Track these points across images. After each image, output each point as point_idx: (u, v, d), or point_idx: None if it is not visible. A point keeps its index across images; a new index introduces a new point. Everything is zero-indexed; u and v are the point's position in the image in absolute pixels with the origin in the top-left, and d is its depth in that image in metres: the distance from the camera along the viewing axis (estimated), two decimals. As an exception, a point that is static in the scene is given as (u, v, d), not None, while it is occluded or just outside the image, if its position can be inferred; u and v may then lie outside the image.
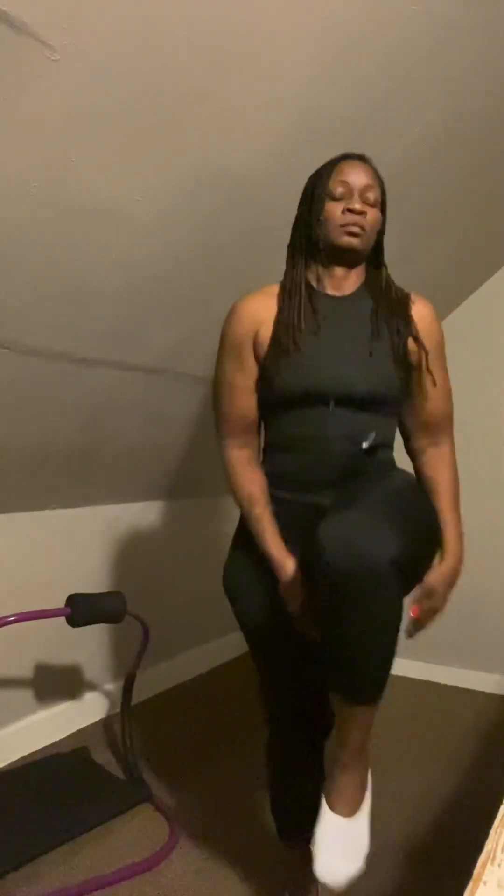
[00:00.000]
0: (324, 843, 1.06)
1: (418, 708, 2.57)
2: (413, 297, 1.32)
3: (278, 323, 1.26)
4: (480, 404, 2.79)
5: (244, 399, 1.30)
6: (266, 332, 1.26)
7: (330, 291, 1.29)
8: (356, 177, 1.22)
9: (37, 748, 2.21)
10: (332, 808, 1.08)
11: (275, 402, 1.27)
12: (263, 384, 1.28)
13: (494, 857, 0.60)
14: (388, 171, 1.81)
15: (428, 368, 1.28)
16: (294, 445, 1.27)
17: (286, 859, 1.44)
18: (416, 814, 1.89)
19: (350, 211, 1.20)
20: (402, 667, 2.88)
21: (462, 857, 0.74)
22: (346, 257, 1.26)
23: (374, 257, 1.32)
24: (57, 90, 1.12)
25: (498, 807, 0.71)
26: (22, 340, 1.57)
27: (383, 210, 1.28)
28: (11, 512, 2.13)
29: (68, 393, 1.83)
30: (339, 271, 1.28)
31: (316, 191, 1.24)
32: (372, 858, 1.62)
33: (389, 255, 1.75)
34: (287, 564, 1.23)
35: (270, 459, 1.32)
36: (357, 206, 1.20)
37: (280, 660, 1.34)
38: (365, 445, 1.23)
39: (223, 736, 2.38)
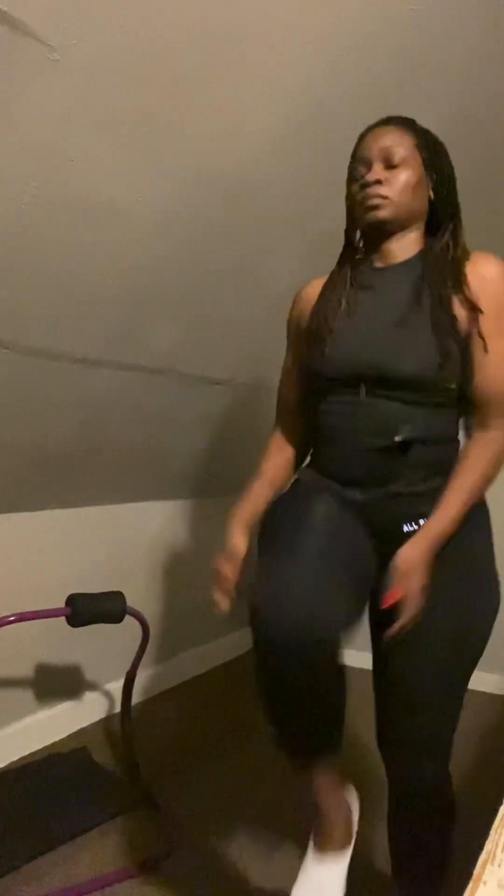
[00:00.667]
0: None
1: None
2: (476, 255, 1.14)
3: (316, 304, 1.20)
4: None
5: (287, 384, 1.29)
6: (307, 316, 1.21)
7: (378, 263, 1.17)
8: (372, 144, 1.12)
9: (37, 748, 2.21)
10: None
11: (311, 388, 1.20)
12: (302, 369, 1.22)
13: (494, 857, 0.60)
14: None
15: (479, 333, 1.07)
16: (327, 436, 1.17)
17: (303, 789, 1.20)
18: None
19: (365, 185, 1.11)
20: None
21: (462, 857, 0.74)
22: (384, 231, 1.14)
23: (439, 224, 1.17)
24: (57, 90, 1.12)
25: (498, 807, 0.70)
26: (22, 340, 1.57)
27: (435, 166, 1.14)
28: (11, 512, 2.13)
29: (68, 393, 1.83)
30: (388, 245, 1.15)
31: (348, 178, 1.17)
32: (372, 858, 1.62)
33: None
34: (236, 539, 1.21)
35: (314, 449, 1.24)
36: (370, 177, 1.10)
37: (305, 542, 1.17)
38: (397, 439, 1.07)
39: (223, 736, 2.38)
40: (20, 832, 1.72)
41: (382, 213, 1.11)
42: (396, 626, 1.05)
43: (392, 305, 1.11)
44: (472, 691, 2.23)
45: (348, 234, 1.23)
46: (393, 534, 1.10)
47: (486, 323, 1.07)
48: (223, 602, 1.19)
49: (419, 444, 1.09)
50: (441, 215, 1.17)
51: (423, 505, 1.09)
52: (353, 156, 1.16)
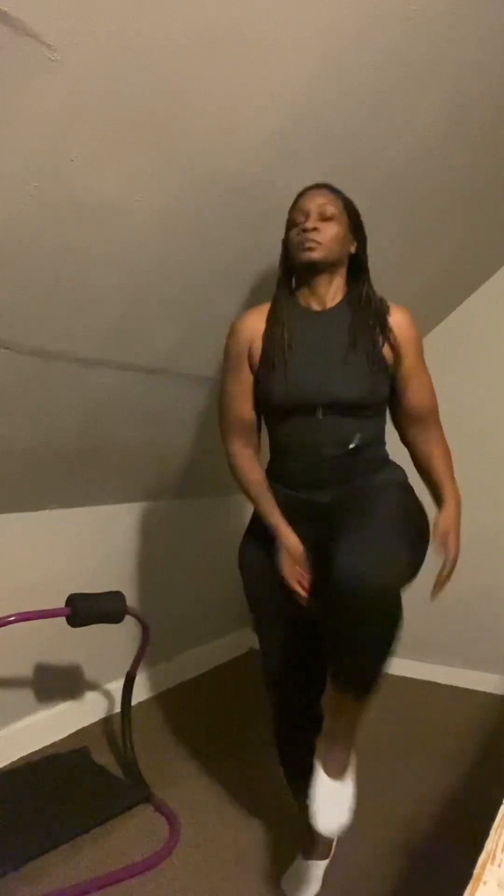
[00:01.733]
0: (320, 799, 1.29)
1: (418, 708, 2.57)
2: (392, 306, 1.46)
3: (265, 339, 1.45)
4: (479, 404, 2.79)
5: (242, 405, 1.49)
6: (258, 347, 1.45)
7: (313, 306, 1.46)
8: (310, 201, 1.40)
9: (37, 748, 2.21)
10: (325, 771, 1.30)
11: (270, 411, 1.47)
12: (259, 394, 1.47)
13: (494, 857, 0.60)
14: (388, 171, 1.83)
15: (405, 370, 1.44)
16: (291, 450, 1.45)
17: (302, 815, 1.42)
18: (416, 814, 1.89)
19: (303, 231, 1.38)
20: (403, 667, 2.88)
21: (462, 857, 0.74)
22: (314, 271, 1.42)
23: (354, 272, 1.47)
24: (57, 90, 1.12)
25: (498, 807, 0.71)
26: (22, 340, 1.57)
27: (356, 229, 1.45)
28: (11, 512, 2.13)
29: (68, 393, 1.83)
30: (318, 286, 1.44)
31: (287, 225, 1.44)
32: (372, 858, 1.63)
33: (388, 257, 1.75)
34: (289, 535, 1.43)
35: (274, 460, 1.51)
36: (308, 224, 1.38)
37: (277, 626, 1.52)
38: (351, 446, 1.40)
39: (223, 736, 2.38)
40: (20, 832, 1.72)
41: (315, 255, 1.38)
42: (445, 573, 1.40)
43: (334, 346, 1.41)
44: (473, 691, 2.25)
45: (281, 274, 1.50)
46: (327, 522, 1.36)
47: (412, 361, 1.45)
48: (304, 594, 1.41)
49: (365, 447, 1.42)
50: (356, 269, 1.47)
51: (388, 491, 1.42)
52: (293, 208, 1.43)
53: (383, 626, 1.21)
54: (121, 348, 1.81)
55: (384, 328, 1.42)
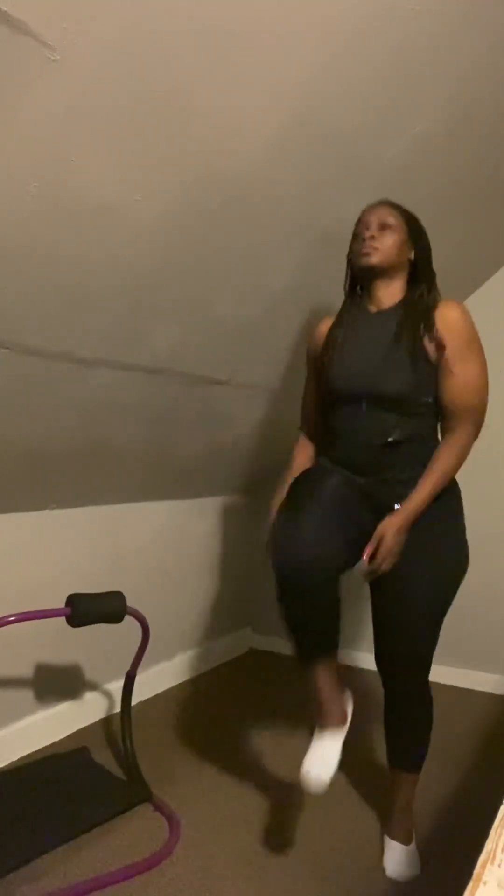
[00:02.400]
0: (393, 860, 1.62)
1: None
2: (443, 302, 1.54)
3: (327, 339, 1.63)
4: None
5: (309, 398, 1.73)
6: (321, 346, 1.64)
7: (371, 308, 1.60)
8: (370, 214, 1.56)
9: (37, 748, 2.21)
10: (394, 839, 1.65)
11: (326, 401, 1.64)
12: (319, 385, 1.66)
13: (494, 857, 0.60)
14: (388, 171, 1.83)
15: (446, 362, 1.48)
16: (338, 435, 1.60)
17: (310, 681, 1.53)
18: (416, 813, 1.89)
19: (363, 239, 1.54)
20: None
21: (462, 857, 0.74)
22: (372, 275, 1.56)
23: (418, 277, 1.59)
24: (57, 90, 1.12)
25: (498, 807, 0.70)
26: (22, 340, 1.57)
27: (415, 238, 1.58)
28: (11, 512, 2.13)
29: (68, 393, 1.83)
30: (377, 289, 1.58)
31: (352, 239, 1.60)
32: (373, 858, 1.63)
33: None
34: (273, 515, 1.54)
35: (326, 440, 1.67)
36: (367, 233, 1.53)
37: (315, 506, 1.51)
38: (389, 440, 1.50)
39: (223, 736, 2.38)
40: (20, 832, 1.72)
41: (372, 260, 1.52)
42: (367, 568, 1.48)
43: (380, 343, 1.52)
44: (473, 691, 2.24)
45: (348, 284, 1.66)
46: (386, 508, 1.50)
47: (451, 353, 1.48)
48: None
49: (405, 443, 1.50)
50: (420, 275, 1.59)
51: (408, 488, 1.49)
52: (357, 223, 1.58)
53: (420, 708, 1.68)
54: (121, 348, 1.81)
55: (428, 323, 1.48)
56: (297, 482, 1.57)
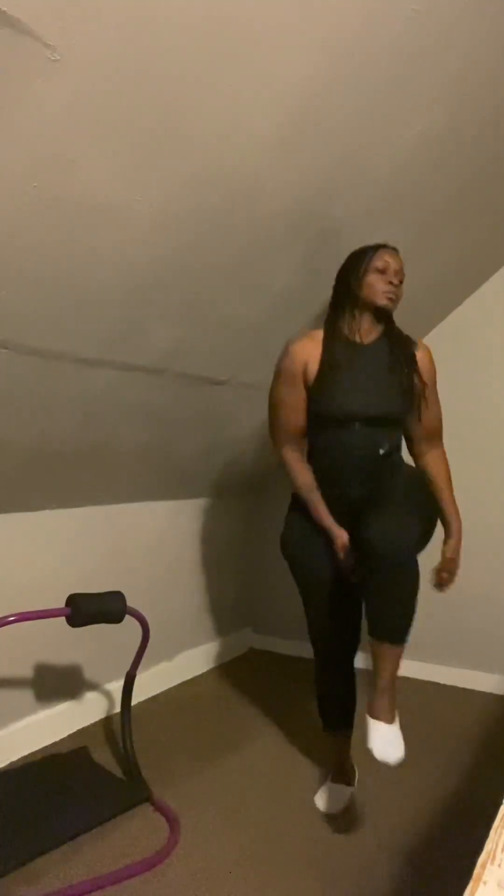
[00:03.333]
0: (378, 740, 1.59)
1: (418, 708, 2.57)
2: (418, 343, 1.82)
3: (322, 362, 1.74)
4: (480, 404, 2.79)
5: (296, 415, 1.79)
6: (313, 368, 1.74)
7: (359, 340, 1.76)
8: (394, 261, 1.72)
9: (37, 748, 2.21)
10: (377, 719, 1.61)
11: (317, 420, 1.77)
12: (310, 406, 1.77)
13: (494, 857, 0.60)
14: (388, 172, 1.83)
15: (425, 396, 1.79)
16: (330, 453, 1.77)
17: (330, 745, 2.00)
18: (416, 814, 1.89)
19: (391, 283, 1.70)
20: (403, 667, 2.87)
21: (462, 857, 0.74)
22: (377, 314, 1.75)
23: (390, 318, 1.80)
24: (57, 90, 1.12)
25: (498, 807, 0.71)
26: (22, 340, 1.57)
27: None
28: (11, 512, 2.13)
29: (68, 393, 1.83)
30: (366, 324, 1.76)
31: (362, 264, 1.72)
32: (373, 858, 1.63)
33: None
34: (339, 531, 1.74)
35: (313, 461, 1.81)
36: (395, 280, 1.71)
37: (323, 595, 1.83)
38: (381, 452, 1.73)
39: (223, 736, 2.38)
40: (20, 832, 1.72)
41: (391, 305, 1.73)
42: (446, 586, 1.82)
43: (376, 372, 1.75)
44: (473, 691, 2.23)
45: (341, 305, 1.77)
46: (352, 513, 1.70)
47: (428, 389, 1.81)
48: (351, 572, 1.74)
49: (392, 453, 1.77)
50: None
51: (393, 489, 1.71)
52: (377, 257, 1.71)
53: (407, 578, 1.58)
54: (121, 348, 1.81)
55: (411, 361, 1.77)
56: (300, 555, 1.84)
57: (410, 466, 1.84)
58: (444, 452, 1.89)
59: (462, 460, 2.68)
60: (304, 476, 1.80)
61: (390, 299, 1.71)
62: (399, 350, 1.77)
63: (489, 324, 2.80)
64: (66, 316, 1.59)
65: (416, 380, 1.77)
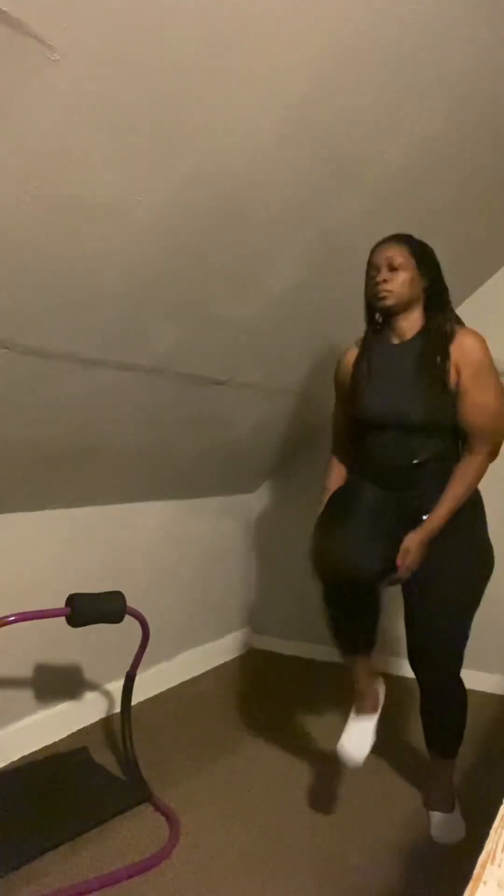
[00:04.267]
0: (436, 826, 1.77)
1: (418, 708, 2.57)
2: (459, 331, 1.63)
3: (354, 369, 1.75)
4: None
5: (343, 427, 1.83)
6: (349, 376, 1.76)
7: (393, 340, 1.70)
8: (379, 256, 1.64)
9: (37, 748, 2.21)
10: (435, 810, 1.79)
11: (358, 426, 1.76)
12: (351, 416, 1.77)
13: (494, 857, 0.60)
14: (388, 171, 1.83)
15: (461, 389, 1.60)
16: (368, 457, 1.74)
17: (350, 667, 1.82)
18: (416, 814, 1.89)
19: (376, 283, 1.63)
20: (403, 667, 2.87)
21: (462, 857, 0.75)
22: (391, 313, 1.67)
23: (433, 303, 1.67)
24: (57, 90, 1.12)
25: (498, 807, 0.71)
26: (22, 340, 1.57)
27: (425, 267, 1.64)
28: (11, 512, 2.13)
29: (68, 393, 1.83)
30: (398, 323, 1.68)
31: (366, 278, 1.68)
32: (372, 858, 1.63)
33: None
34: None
35: (358, 462, 1.80)
36: (379, 277, 1.62)
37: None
38: (415, 462, 1.64)
39: (223, 736, 2.38)
40: (20, 832, 1.72)
41: (388, 303, 1.63)
42: (395, 577, 1.66)
43: (403, 373, 1.64)
44: (473, 691, 2.25)
45: (368, 315, 1.74)
46: (417, 518, 1.65)
47: (466, 380, 1.59)
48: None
49: (429, 463, 1.64)
50: (434, 298, 1.66)
51: (433, 502, 1.63)
52: (368, 263, 1.67)
53: (453, 700, 1.76)
54: (121, 348, 1.81)
55: (445, 354, 1.60)
56: (335, 497, 1.74)
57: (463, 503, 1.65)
58: (478, 462, 1.63)
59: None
60: (332, 474, 1.85)
61: (382, 298, 1.63)
62: (432, 343, 1.62)
63: (489, 324, 2.79)
64: (65, 316, 1.59)
65: (447, 378, 1.59)
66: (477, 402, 1.60)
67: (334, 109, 1.52)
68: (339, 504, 1.71)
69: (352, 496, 1.71)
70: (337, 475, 1.85)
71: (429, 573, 1.65)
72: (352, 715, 1.80)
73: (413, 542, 1.62)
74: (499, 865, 0.59)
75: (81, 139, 1.23)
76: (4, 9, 0.98)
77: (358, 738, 1.74)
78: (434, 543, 1.63)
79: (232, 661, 3.22)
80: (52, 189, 1.27)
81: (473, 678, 2.84)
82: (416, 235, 1.88)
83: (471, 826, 1.79)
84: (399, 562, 1.63)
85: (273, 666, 3.13)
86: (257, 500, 3.35)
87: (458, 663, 1.73)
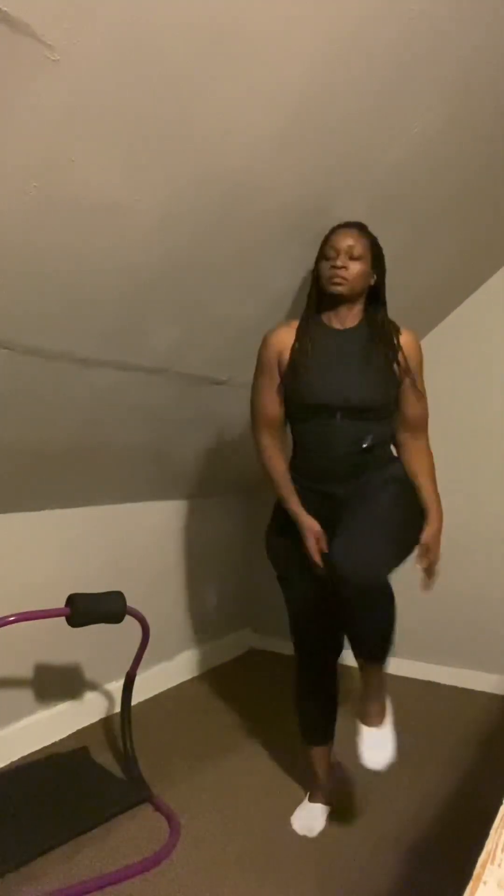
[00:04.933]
0: (367, 745, 1.63)
1: (418, 708, 2.57)
2: (404, 329, 1.72)
3: (293, 350, 1.68)
4: (476, 405, 2.79)
5: (273, 405, 1.73)
6: (286, 357, 1.69)
7: (335, 325, 1.70)
8: (342, 240, 1.63)
9: (37, 748, 2.21)
10: (367, 724, 1.65)
11: (294, 412, 1.71)
12: (285, 397, 1.71)
13: (494, 857, 0.60)
14: (388, 171, 1.83)
15: (410, 383, 1.70)
16: (311, 448, 1.70)
17: (308, 757, 1.92)
18: (416, 814, 1.89)
19: (333, 267, 1.62)
20: (403, 667, 2.88)
21: (462, 857, 0.75)
22: (339, 300, 1.67)
23: (373, 298, 1.71)
24: (57, 90, 1.12)
25: (498, 807, 0.71)
26: (22, 340, 1.57)
27: (377, 265, 1.68)
28: (11, 512, 2.13)
29: (68, 393, 1.83)
30: (341, 310, 1.69)
31: (318, 255, 1.67)
32: (372, 858, 1.63)
33: (388, 257, 1.76)
34: (307, 520, 1.65)
35: (296, 456, 1.75)
36: (338, 262, 1.62)
37: (302, 596, 1.78)
38: (364, 446, 1.63)
39: (223, 736, 2.38)
40: (20, 832, 1.72)
41: (341, 289, 1.63)
42: (428, 576, 1.71)
43: (350, 358, 1.66)
44: (473, 691, 2.24)
45: (311, 296, 1.72)
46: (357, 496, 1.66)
47: (411, 376, 1.69)
48: (320, 566, 1.63)
49: (376, 446, 1.66)
50: (375, 294, 1.71)
51: (374, 488, 1.66)
52: (325, 243, 1.65)
53: (378, 604, 1.55)
54: (121, 348, 1.81)
55: (394, 346, 1.68)
56: (281, 555, 1.79)
57: (398, 465, 1.75)
58: (427, 445, 1.78)
59: (460, 460, 2.70)
60: (277, 464, 1.73)
61: (337, 283, 1.62)
62: (379, 335, 1.68)
63: (489, 324, 2.80)
64: (66, 316, 1.59)
65: (397, 367, 1.67)
66: (421, 396, 1.73)
67: (334, 111, 1.52)
68: (289, 572, 1.78)
69: (297, 555, 1.67)
70: (282, 462, 1.74)
71: (368, 499, 1.63)
72: (305, 800, 1.92)
73: (431, 537, 1.68)
74: (499, 865, 0.59)
75: (81, 139, 1.23)
76: (4, 9, 0.98)
77: (307, 818, 1.85)
78: (379, 483, 1.65)
79: (232, 661, 3.22)
80: (51, 189, 1.27)
81: (473, 678, 2.86)
82: (416, 236, 1.88)
83: (471, 826, 1.79)
84: (424, 564, 1.68)
85: (273, 666, 3.13)
86: (257, 500, 3.35)
87: (383, 567, 1.56)
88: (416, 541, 1.67)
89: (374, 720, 1.66)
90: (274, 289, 2.01)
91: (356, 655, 1.66)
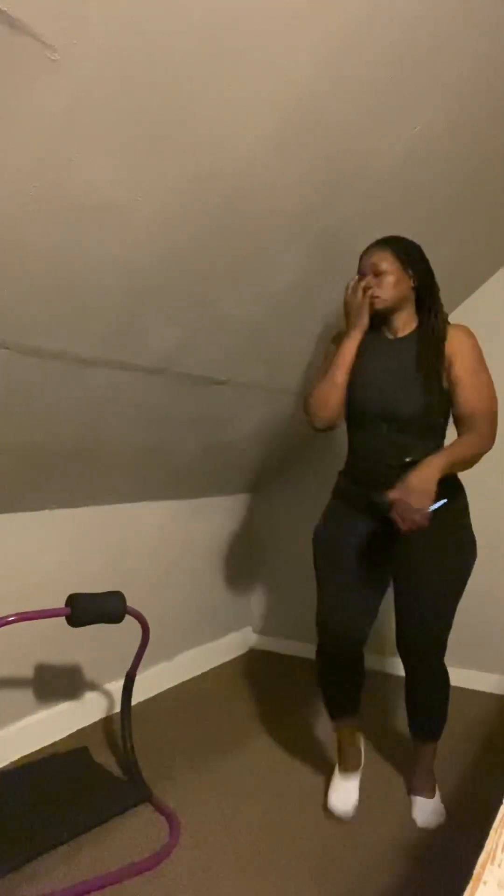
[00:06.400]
0: (421, 812, 1.87)
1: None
2: (451, 328, 1.73)
3: (354, 362, 1.76)
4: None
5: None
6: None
7: (388, 335, 1.78)
8: (365, 262, 1.74)
9: (37, 748, 2.21)
10: (420, 797, 1.91)
11: (350, 419, 1.81)
12: (346, 403, 1.78)
13: (494, 857, 0.60)
14: (388, 171, 1.83)
15: (452, 380, 1.68)
16: (360, 455, 1.79)
17: (336, 731, 1.97)
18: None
19: (364, 289, 1.72)
20: (402, 667, 2.88)
21: (462, 857, 0.75)
22: (384, 314, 1.75)
23: (424, 301, 1.76)
24: (57, 90, 1.12)
25: (498, 807, 0.71)
26: (22, 340, 1.57)
27: (410, 266, 1.72)
28: (11, 512, 2.13)
29: (68, 393, 1.83)
30: (391, 321, 1.77)
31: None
32: (372, 858, 1.63)
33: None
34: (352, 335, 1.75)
35: (348, 461, 1.84)
36: (364, 283, 1.72)
37: (342, 588, 1.81)
38: (407, 460, 1.64)
39: (223, 736, 2.38)
40: (20, 832, 1.72)
41: (378, 306, 1.73)
42: (404, 526, 1.56)
43: (399, 368, 1.71)
44: (473, 691, 2.24)
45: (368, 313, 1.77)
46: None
47: (460, 368, 1.68)
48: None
49: (419, 462, 1.61)
50: (424, 296, 1.76)
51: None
52: (359, 266, 1.76)
53: (438, 687, 1.83)
54: (121, 348, 1.81)
55: (441, 355, 1.69)
56: (326, 544, 1.83)
57: (450, 487, 1.65)
58: (474, 436, 1.64)
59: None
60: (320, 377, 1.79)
61: (372, 304, 1.72)
62: (427, 344, 1.71)
63: (489, 324, 2.79)
64: (65, 316, 1.59)
65: (442, 378, 1.68)
66: (473, 386, 1.66)
67: (333, 109, 1.52)
68: (331, 558, 1.82)
69: (343, 544, 1.79)
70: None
71: (417, 564, 1.73)
72: (336, 773, 1.95)
73: (400, 493, 1.55)
74: (499, 865, 0.59)
75: (81, 139, 1.23)
76: (4, 9, 0.98)
77: (345, 794, 1.89)
78: (423, 535, 1.60)
79: (232, 661, 3.22)
80: (51, 189, 1.27)
81: (473, 678, 2.86)
82: (416, 236, 1.88)
83: (471, 826, 1.79)
84: (394, 491, 1.55)
85: (273, 666, 3.13)
86: (257, 500, 3.35)
87: (442, 649, 1.79)
88: (464, 586, 1.78)
89: (428, 794, 1.89)
90: (274, 289, 2.01)
91: (413, 734, 1.90)
